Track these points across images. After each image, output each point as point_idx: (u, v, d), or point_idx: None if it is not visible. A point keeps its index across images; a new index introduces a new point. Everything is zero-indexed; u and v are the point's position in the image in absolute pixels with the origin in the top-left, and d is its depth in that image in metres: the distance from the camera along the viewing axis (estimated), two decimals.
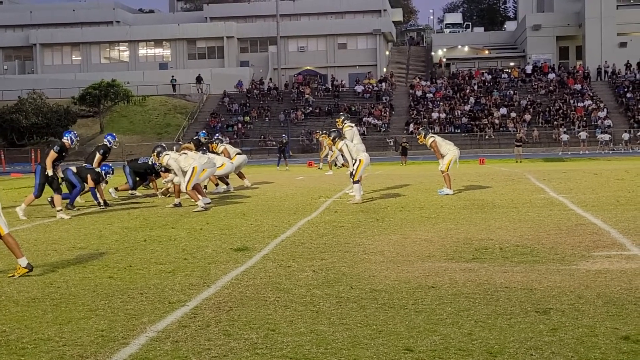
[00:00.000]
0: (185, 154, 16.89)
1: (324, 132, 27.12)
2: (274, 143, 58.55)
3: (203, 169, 16.30)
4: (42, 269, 8.64)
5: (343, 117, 18.07)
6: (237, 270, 8.28)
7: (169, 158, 15.85)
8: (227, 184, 20.26)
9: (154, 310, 6.55)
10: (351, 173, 15.94)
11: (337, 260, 8.82)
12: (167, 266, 8.68)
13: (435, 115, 64.01)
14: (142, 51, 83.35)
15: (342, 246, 9.87)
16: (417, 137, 18.09)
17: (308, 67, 79.54)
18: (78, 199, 16.72)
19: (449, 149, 17.50)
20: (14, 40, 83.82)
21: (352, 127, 17.80)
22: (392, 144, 60.10)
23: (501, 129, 61.71)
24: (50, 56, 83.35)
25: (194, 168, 15.51)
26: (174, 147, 18.24)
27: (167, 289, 7.39)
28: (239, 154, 21.46)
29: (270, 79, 76.87)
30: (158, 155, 16.10)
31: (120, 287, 7.53)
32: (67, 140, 15.34)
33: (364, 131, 60.24)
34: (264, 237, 10.90)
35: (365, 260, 8.80)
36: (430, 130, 18.16)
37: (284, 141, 39.37)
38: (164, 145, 17.00)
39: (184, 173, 15.65)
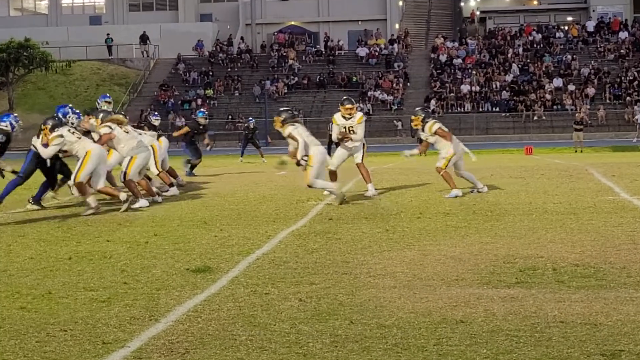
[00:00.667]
0: (110, 128, 16.95)
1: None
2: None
3: (133, 158, 16.66)
4: None
5: (284, 116, 18.26)
6: (196, 299, 8.26)
7: (61, 139, 15.95)
8: (171, 185, 20.13)
9: (82, 353, 6.53)
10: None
11: (332, 285, 8.82)
12: (101, 293, 8.66)
13: (465, 88, 64.19)
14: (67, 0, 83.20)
15: (339, 266, 9.87)
16: (412, 119, 18.38)
17: (293, 23, 79.53)
18: None
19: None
20: None
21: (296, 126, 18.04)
22: (400, 127, 60.02)
23: (555, 107, 61.93)
24: None
25: (86, 154, 15.71)
26: (98, 116, 17.74)
27: (101, 324, 7.37)
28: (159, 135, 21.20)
29: (242, 38, 76.83)
30: (52, 130, 16.05)
31: (36, 322, 7.50)
32: (7, 125, 15.54)
33: (369, 109, 60.32)
34: (232, 254, 10.88)
35: (370, 285, 8.81)
36: (430, 113, 18.43)
37: (251, 126, 39.39)
38: (61, 116, 16.95)
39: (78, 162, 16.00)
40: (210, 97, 67.00)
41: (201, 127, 26.93)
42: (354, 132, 18.00)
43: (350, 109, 18.21)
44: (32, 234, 13.25)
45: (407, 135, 58.27)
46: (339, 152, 18.27)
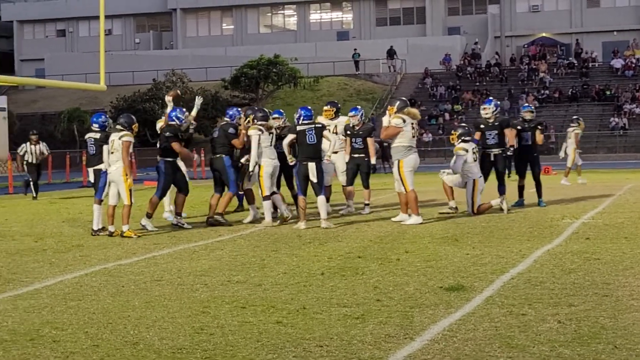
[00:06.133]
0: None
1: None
2: None
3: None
4: (190, 310, 9.01)
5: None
6: (451, 318, 8.30)
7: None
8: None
9: None
10: None
11: (593, 307, 8.67)
12: (354, 309, 8.81)
13: None
14: (315, 16, 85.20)
15: (599, 288, 9.69)
16: None
17: (544, 34, 78.49)
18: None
19: None
20: (149, 5, 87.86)
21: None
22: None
23: None
24: (194, 25, 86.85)
25: None
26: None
27: (356, 341, 7.50)
28: None
29: (497, 53, 76.30)
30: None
31: (292, 337, 7.72)
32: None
33: (624, 123, 58.65)
34: (486, 273, 10.87)
35: (633, 308, 8.60)
36: None
37: None
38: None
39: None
40: (457, 111, 66.86)
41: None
42: None
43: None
44: (285, 249, 13.63)
45: None
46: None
